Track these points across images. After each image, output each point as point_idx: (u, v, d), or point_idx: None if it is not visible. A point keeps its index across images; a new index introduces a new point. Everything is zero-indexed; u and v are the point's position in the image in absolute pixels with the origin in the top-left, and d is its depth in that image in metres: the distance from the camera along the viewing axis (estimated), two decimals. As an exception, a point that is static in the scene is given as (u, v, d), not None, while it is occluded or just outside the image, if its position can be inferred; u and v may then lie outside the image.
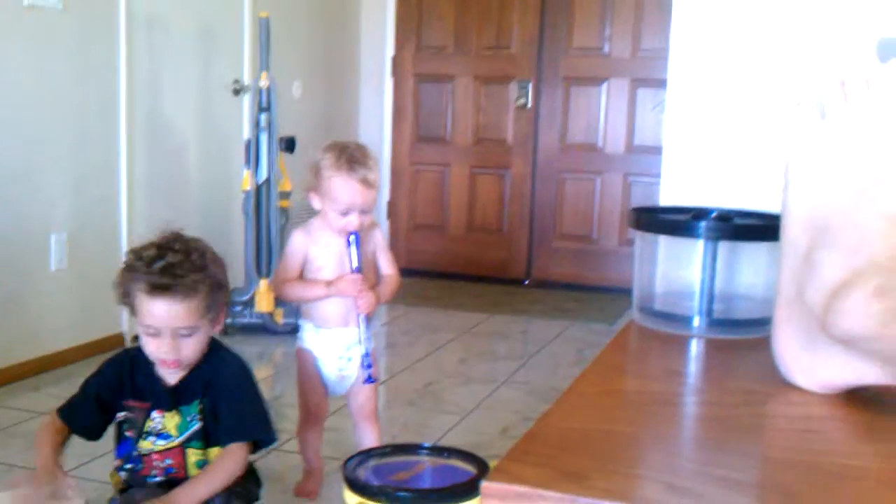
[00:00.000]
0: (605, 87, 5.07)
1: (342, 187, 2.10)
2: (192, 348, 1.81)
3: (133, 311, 1.81)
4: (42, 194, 3.27)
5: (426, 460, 1.85)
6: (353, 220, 2.12)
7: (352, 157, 2.12)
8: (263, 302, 3.85)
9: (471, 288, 5.11)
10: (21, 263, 3.19)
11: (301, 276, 2.20)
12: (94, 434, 1.90)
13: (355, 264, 2.12)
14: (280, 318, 3.88)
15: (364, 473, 1.72)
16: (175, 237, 1.84)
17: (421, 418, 2.96)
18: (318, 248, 2.18)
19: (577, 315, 4.54)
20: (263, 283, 3.86)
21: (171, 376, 1.86)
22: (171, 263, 1.75)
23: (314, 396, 2.25)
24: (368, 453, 1.84)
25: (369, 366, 2.18)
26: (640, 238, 1.14)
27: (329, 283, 2.14)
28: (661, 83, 4.87)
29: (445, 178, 5.34)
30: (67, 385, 1.98)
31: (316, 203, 2.17)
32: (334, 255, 2.16)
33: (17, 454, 2.53)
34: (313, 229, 2.21)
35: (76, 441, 1.93)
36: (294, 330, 3.87)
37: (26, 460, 2.40)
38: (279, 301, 3.89)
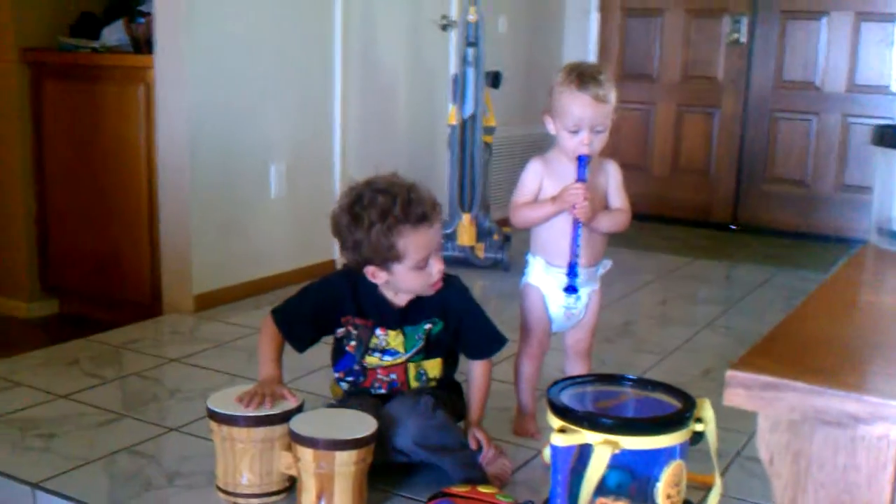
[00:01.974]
0: (825, 20, 4.75)
1: (571, 101, 2.05)
2: (443, 265, 1.95)
3: (400, 259, 1.89)
4: (264, 127, 3.45)
5: (630, 391, 1.84)
6: (584, 139, 2.07)
7: (583, 72, 2.07)
8: (465, 235, 3.93)
9: (673, 231, 4.99)
10: (244, 191, 3.40)
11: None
12: (301, 343, 2.02)
13: (580, 176, 2.08)
14: (481, 253, 3.95)
15: (568, 399, 1.74)
16: (376, 181, 1.93)
17: (620, 356, 2.94)
18: (552, 178, 2.14)
19: (787, 262, 4.34)
20: (466, 217, 3.93)
21: (399, 298, 1.97)
22: (411, 197, 1.87)
23: (539, 333, 2.23)
24: (573, 380, 1.86)
25: (574, 275, 2.15)
26: (883, 156, 1.07)
27: (554, 198, 2.12)
28: (888, 17, 4.55)
29: (650, 116, 5.21)
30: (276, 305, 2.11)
31: (550, 126, 2.14)
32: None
33: (238, 365, 2.72)
34: (549, 159, 2.18)
35: (292, 358, 2.06)
36: (494, 265, 3.94)
37: (247, 370, 2.59)
38: (480, 235, 3.96)
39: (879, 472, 0.62)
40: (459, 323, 2.01)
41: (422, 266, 1.89)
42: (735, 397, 0.63)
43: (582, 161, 2.09)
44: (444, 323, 2.00)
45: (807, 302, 0.81)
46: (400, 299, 1.98)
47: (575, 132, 2.08)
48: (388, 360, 1.99)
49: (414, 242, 1.86)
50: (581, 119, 2.06)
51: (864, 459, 0.63)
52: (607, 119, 2.09)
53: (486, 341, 2.05)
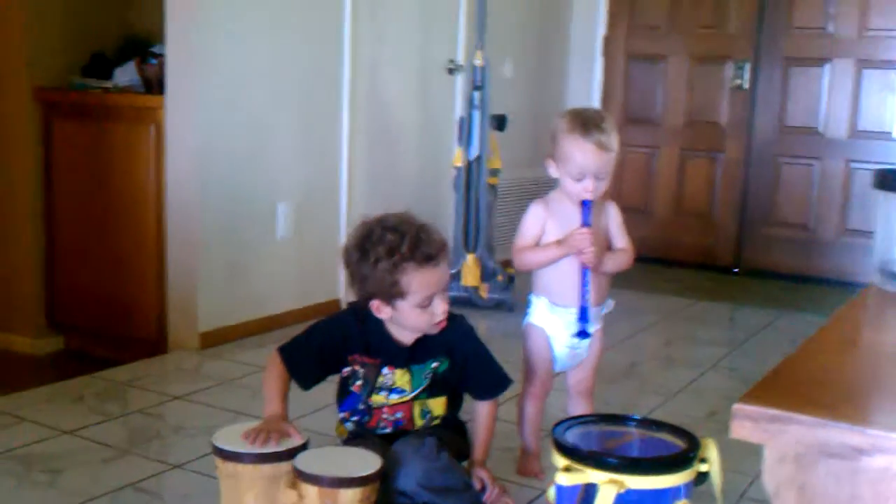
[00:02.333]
0: (827, 68, 4.81)
1: (576, 149, 2.08)
2: (448, 305, 1.95)
3: (403, 296, 1.90)
4: (271, 168, 3.49)
5: (635, 432, 1.85)
6: (588, 186, 2.09)
7: (587, 119, 2.09)
8: (470, 276, 3.95)
9: (676, 273, 5.01)
10: (251, 231, 3.42)
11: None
12: (307, 381, 2.02)
13: (585, 220, 2.10)
14: (485, 293, 3.96)
15: (572, 438, 1.75)
16: (386, 218, 1.95)
17: (624, 397, 2.94)
18: (555, 221, 2.17)
19: (789, 305, 4.35)
20: (471, 258, 3.96)
21: (406, 337, 1.98)
22: (420, 236, 1.89)
23: (542, 373, 2.24)
24: (578, 420, 1.86)
25: (585, 320, 2.17)
26: (884, 199, 1.10)
27: (559, 242, 2.13)
28: (889, 64, 4.61)
29: (654, 160, 5.25)
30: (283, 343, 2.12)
31: (552, 170, 2.17)
32: (570, 229, 2.13)
33: (244, 402, 2.73)
34: (551, 202, 2.19)
35: (298, 396, 2.06)
36: (498, 305, 3.95)
37: (252, 408, 2.59)
38: (484, 276, 3.97)
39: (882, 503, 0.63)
40: (465, 362, 2.02)
41: (425, 305, 1.91)
42: (741, 430, 0.65)
43: (586, 206, 2.11)
44: (451, 362, 2.01)
45: (811, 340, 0.83)
46: (406, 337, 1.99)
47: (579, 179, 2.10)
48: (394, 398, 2.00)
49: (418, 281, 1.88)
50: (586, 167, 2.08)
51: (868, 491, 0.64)
52: (610, 165, 2.12)
53: (491, 382, 2.06)
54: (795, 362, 0.78)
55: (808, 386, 0.72)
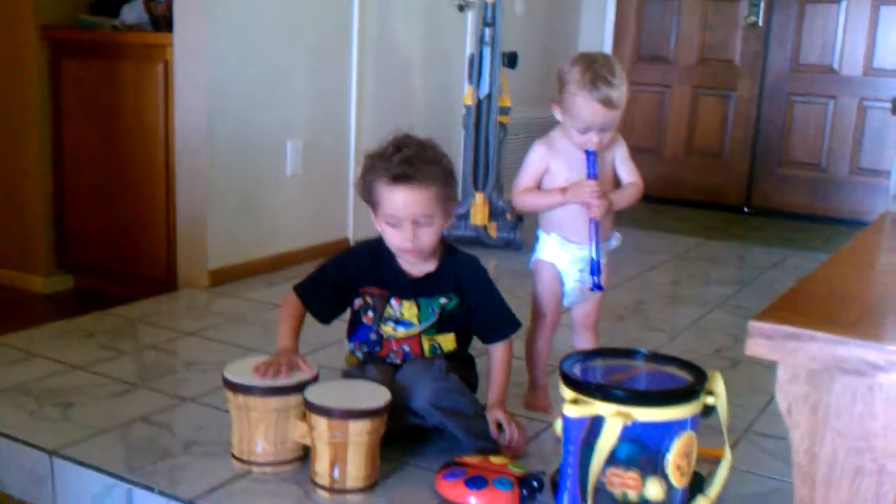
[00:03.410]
0: (843, 5, 4.73)
1: (583, 106, 2.04)
2: (429, 238, 1.94)
3: (376, 207, 1.94)
4: (282, 105, 3.46)
5: (642, 365, 1.86)
6: (592, 139, 2.07)
7: (597, 74, 2.02)
8: (478, 215, 3.94)
9: (686, 213, 4.99)
10: (261, 168, 3.41)
11: (539, 188, 2.18)
12: (324, 315, 2.05)
13: (591, 172, 2.09)
14: (494, 232, 3.96)
15: (580, 372, 1.76)
16: (407, 136, 1.96)
17: (631, 334, 2.95)
18: (558, 160, 2.14)
19: (800, 244, 4.34)
20: (479, 197, 3.94)
21: (415, 269, 1.98)
22: (409, 156, 1.89)
23: (552, 308, 2.23)
24: (585, 353, 1.87)
25: (597, 273, 2.16)
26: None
27: (563, 190, 2.12)
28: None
29: (665, 98, 5.19)
30: (298, 281, 2.12)
31: (557, 114, 2.15)
32: (574, 167, 2.12)
33: (253, 339, 2.74)
34: (554, 141, 2.17)
35: (307, 331, 2.07)
36: (506, 244, 3.95)
37: (262, 344, 2.61)
38: (493, 215, 3.96)
39: (896, 419, 0.63)
40: (474, 302, 2.03)
41: (393, 224, 1.92)
42: (757, 347, 0.65)
43: (591, 156, 2.09)
44: (460, 299, 2.02)
45: (828, 262, 0.82)
46: (415, 270, 2.00)
47: (584, 132, 2.08)
48: (401, 330, 2.01)
49: (384, 196, 1.91)
50: (592, 123, 2.06)
51: (882, 408, 0.64)
52: (617, 118, 2.09)
53: (500, 323, 2.06)
54: (812, 282, 0.77)
55: (824, 304, 0.72)
